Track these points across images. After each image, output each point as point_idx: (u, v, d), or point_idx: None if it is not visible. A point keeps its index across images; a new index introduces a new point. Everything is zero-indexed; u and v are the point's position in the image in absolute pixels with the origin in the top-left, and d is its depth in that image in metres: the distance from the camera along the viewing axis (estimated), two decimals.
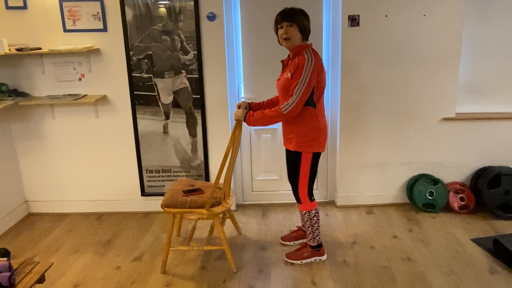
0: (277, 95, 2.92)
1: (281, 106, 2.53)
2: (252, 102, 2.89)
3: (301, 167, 2.70)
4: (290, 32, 2.54)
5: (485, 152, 3.62)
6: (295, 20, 2.54)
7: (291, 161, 2.75)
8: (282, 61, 2.77)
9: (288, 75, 2.58)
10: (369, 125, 3.56)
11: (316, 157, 2.71)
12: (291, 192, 2.90)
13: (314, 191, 3.78)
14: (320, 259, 2.92)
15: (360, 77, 3.45)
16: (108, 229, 3.51)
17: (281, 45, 2.66)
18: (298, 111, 2.54)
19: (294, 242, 3.16)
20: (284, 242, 3.16)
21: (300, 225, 3.24)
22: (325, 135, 2.71)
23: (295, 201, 3.77)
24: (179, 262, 2.98)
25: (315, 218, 2.82)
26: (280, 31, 2.59)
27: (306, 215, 2.81)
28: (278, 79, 2.71)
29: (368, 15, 3.32)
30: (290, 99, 2.51)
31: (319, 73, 2.56)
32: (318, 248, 2.90)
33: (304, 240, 3.16)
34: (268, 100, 2.94)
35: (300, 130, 2.63)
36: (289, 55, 2.77)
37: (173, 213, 2.79)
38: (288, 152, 2.76)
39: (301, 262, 2.89)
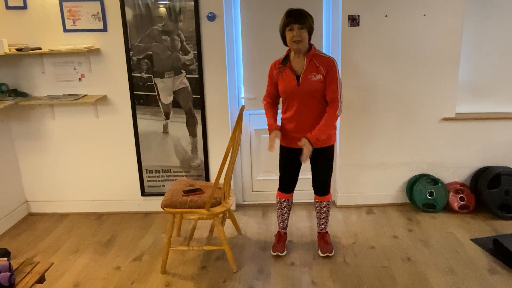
0: (269, 99, 2.87)
1: (336, 112, 2.68)
2: (278, 126, 2.86)
3: (334, 158, 2.91)
4: (302, 34, 2.59)
5: (485, 152, 3.62)
6: (305, 23, 2.57)
7: (326, 157, 2.85)
8: (283, 65, 2.73)
9: (318, 77, 2.65)
10: (369, 125, 3.56)
11: None
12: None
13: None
14: None
15: (360, 77, 3.45)
16: (108, 229, 3.51)
17: (287, 46, 2.70)
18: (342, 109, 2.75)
19: (285, 250, 3.07)
20: (282, 254, 3.01)
21: (279, 231, 3.12)
22: None
23: (296, 201, 3.79)
24: (179, 262, 2.98)
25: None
26: (291, 33, 2.59)
27: (330, 202, 2.99)
28: (298, 84, 2.68)
29: (368, 15, 3.32)
30: (340, 102, 2.68)
31: None
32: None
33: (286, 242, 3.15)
34: (273, 111, 2.88)
35: (333, 124, 2.79)
36: (286, 57, 2.74)
37: (173, 213, 2.79)
38: (324, 150, 2.82)
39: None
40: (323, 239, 3.03)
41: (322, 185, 2.92)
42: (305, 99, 2.70)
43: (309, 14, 2.62)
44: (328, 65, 2.65)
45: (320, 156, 2.84)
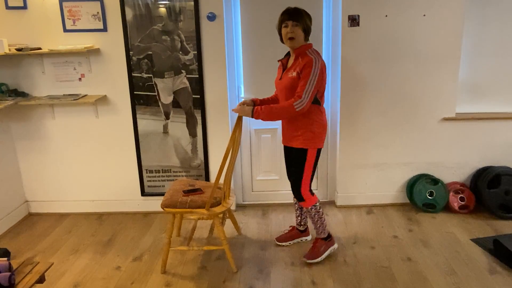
0: (276, 93, 2.93)
1: (294, 103, 2.53)
2: (255, 99, 2.93)
3: (306, 163, 2.75)
4: (295, 31, 2.59)
5: (485, 152, 3.62)
6: (300, 20, 2.59)
7: (295, 159, 2.78)
8: (280, 61, 2.81)
9: (293, 74, 2.62)
10: (369, 125, 3.56)
11: (319, 152, 2.80)
12: (291, 192, 2.91)
13: (314, 191, 3.79)
14: (334, 248, 2.98)
15: (360, 77, 3.45)
16: (108, 229, 3.51)
17: (284, 44, 2.70)
18: (307, 108, 2.59)
19: (290, 242, 3.17)
20: (279, 243, 3.16)
21: (294, 225, 3.24)
22: (326, 131, 2.81)
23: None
24: (179, 262, 2.98)
25: (321, 210, 2.87)
26: (285, 30, 2.62)
27: (313, 209, 2.84)
28: (280, 79, 2.73)
29: (368, 15, 3.32)
30: (302, 97, 2.53)
31: (323, 72, 2.63)
32: (329, 238, 2.95)
33: (298, 240, 3.18)
34: (270, 97, 2.96)
35: (308, 126, 2.69)
36: (286, 55, 2.79)
37: (173, 213, 2.79)
38: (292, 150, 2.79)
39: (322, 258, 2.92)
40: (313, 244, 2.97)
41: (294, 188, 2.84)
42: (283, 94, 2.71)
43: (306, 14, 2.63)
44: (304, 63, 2.56)
45: (292, 156, 2.80)
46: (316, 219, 2.87)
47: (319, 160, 3.72)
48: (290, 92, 2.65)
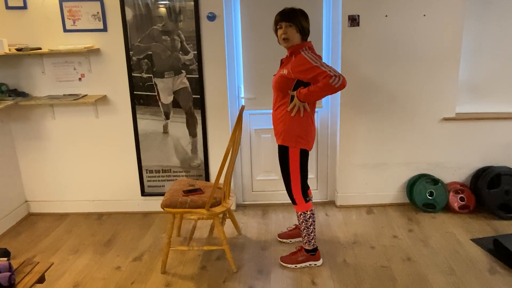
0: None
1: (330, 81, 2.41)
2: None
3: (290, 163, 2.70)
4: (289, 32, 2.56)
5: (485, 152, 3.62)
6: (293, 21, 2.55)
7: (279, 156, 2.77)
8: (281, 60, 2.79)
9: (284, 72, 2.61)
10: (369, 125, 3.56)
11: (304, 154, 2.70)
12: None
13: (314, 191, 3.80)
14: (315, 264, 2.87)
15: (360, 77, 3.45)
16: (108, 229, 3.51)
17: (280, 45, 2.68)
18: (345, 81, 2.45)
19: (290, 240, 3.18)
20: (281, 239, 3.19)
21: (297, 224, 3.25)
22: (312, 135, 2.71)
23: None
24: (179, 262, 2.98)
25: (310, 220, 2.79)
26: (279, 31, 2.61)
27: (302, 216, 2.79)
28: (275, 75, 2.73)
29: (368, 15, 3.32)
30: (332, 75, 2.40)
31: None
32: (313, 252, 2.86)
33: (299, 239, 3.18)
34: None
35: (288, 125, 2.64)
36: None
37: (173, 213, 2.79)
38: (278, 147, 2.77)
39: (295, 266, 2.86)
40: (296, 249, 2.93)
41: (286, 189, 2.80)
42: (274, 90, 2.71)
43: (301, 14, 2.58)
44: (296, 61, 2.54)
45: (279, 155, 2.76)
46: (303, 227, 2.81)
47: (319, 160, 3.75)
48: (278, 89, 2.63)
